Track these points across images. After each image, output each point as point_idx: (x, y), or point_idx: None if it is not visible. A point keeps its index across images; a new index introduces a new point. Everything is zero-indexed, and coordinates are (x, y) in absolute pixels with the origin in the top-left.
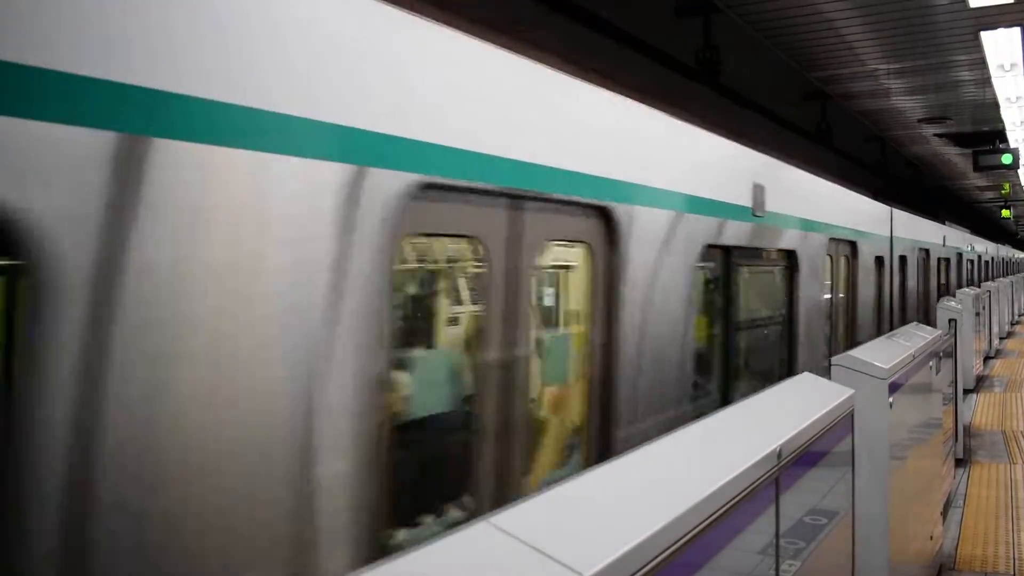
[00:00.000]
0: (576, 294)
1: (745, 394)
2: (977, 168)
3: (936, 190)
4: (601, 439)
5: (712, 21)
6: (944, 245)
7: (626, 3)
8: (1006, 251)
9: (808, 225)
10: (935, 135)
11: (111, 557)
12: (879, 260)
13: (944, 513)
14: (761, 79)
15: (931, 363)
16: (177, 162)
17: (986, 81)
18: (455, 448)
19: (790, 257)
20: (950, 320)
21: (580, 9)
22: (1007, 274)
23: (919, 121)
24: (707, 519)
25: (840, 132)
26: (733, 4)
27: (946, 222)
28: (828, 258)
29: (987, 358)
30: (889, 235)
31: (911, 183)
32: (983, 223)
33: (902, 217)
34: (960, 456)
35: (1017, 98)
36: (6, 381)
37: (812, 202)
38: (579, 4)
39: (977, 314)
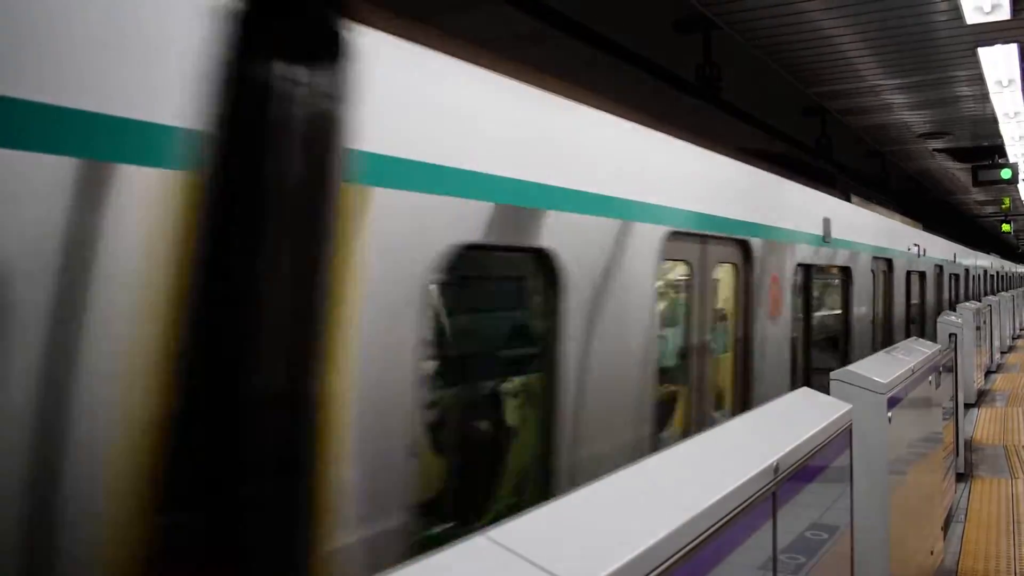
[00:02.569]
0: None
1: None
2: (977, 183)
3: (937, 204)
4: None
5: (712, 38)
6: (954, 261)
7: (625, 20)
8: (1009, 265)
9: (859, 247)
10: (935, 150)
11: None
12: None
13: (945, 528)
14: (761, 94)
15: (931, 377)
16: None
17: (985, 97)
18: None
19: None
20: (950, 334)
21: (579, 26)
22: (1009, 288)
23: (919, 136)
24: (704, 533)
25: (841, 147)
26: (732, 21)
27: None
28: (871, 272)
29: (988, 372)
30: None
31: (912, 198)
32: (984, 237)
33: (924, 238)
34: (961, 471)
35: (1015, 113)
36: None
37: (861, 228)
38: (578, 21)
39: (978, 328)
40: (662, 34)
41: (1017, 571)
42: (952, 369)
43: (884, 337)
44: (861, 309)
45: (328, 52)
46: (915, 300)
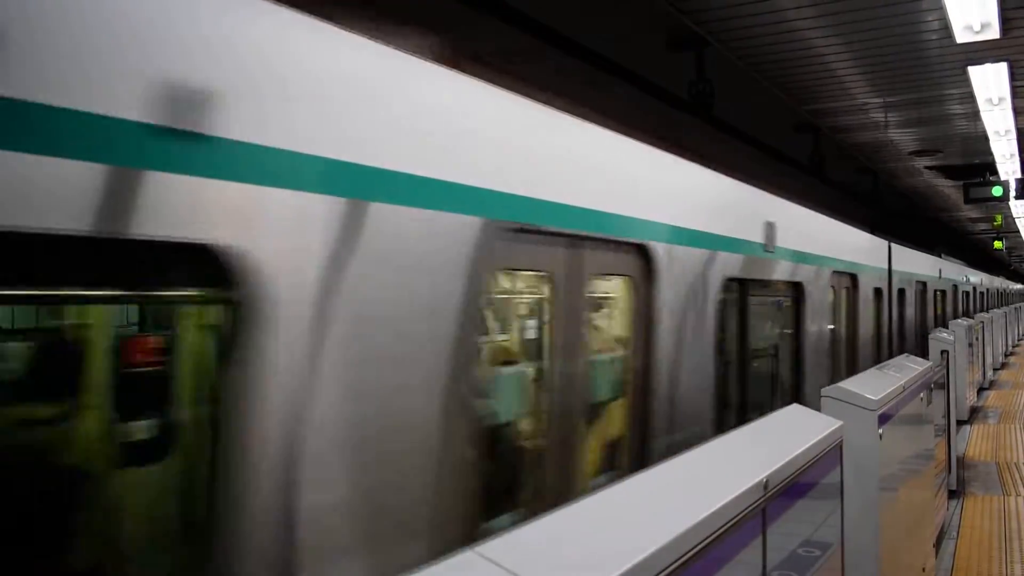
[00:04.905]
0: None
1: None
2: (968, 200)
3: (929, 221)
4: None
5: (704, 55)
6: (940, 277)
7: (619, 36)
8: (1000, 282)
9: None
10: (927, 167)
11: None
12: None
13: (937, 545)
14: (753, 111)
15: (922, 394)
16: None
17: (976, 115)
18: None
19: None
20: (942, 351)
21: (572, 42)
22: (1001, 305)
23: (910, 154)
24: (692, 549)
25: (833, 164)
26: (724, 39)
27: (942, 254)
28: (832, 289)
29: (981, 389)
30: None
31: (904, 214)
32: (977, 254)
33: (899, 250)
34: (953, 488)
35: (1006, 131)
36: None
37: (813, 236)
38: (571, 37)
39: (970, 345)
40: (655, 51)
41: None
42: (944, 386)
43: (848, 369)
44: (814, 335)
45: None
46: (892, 323)
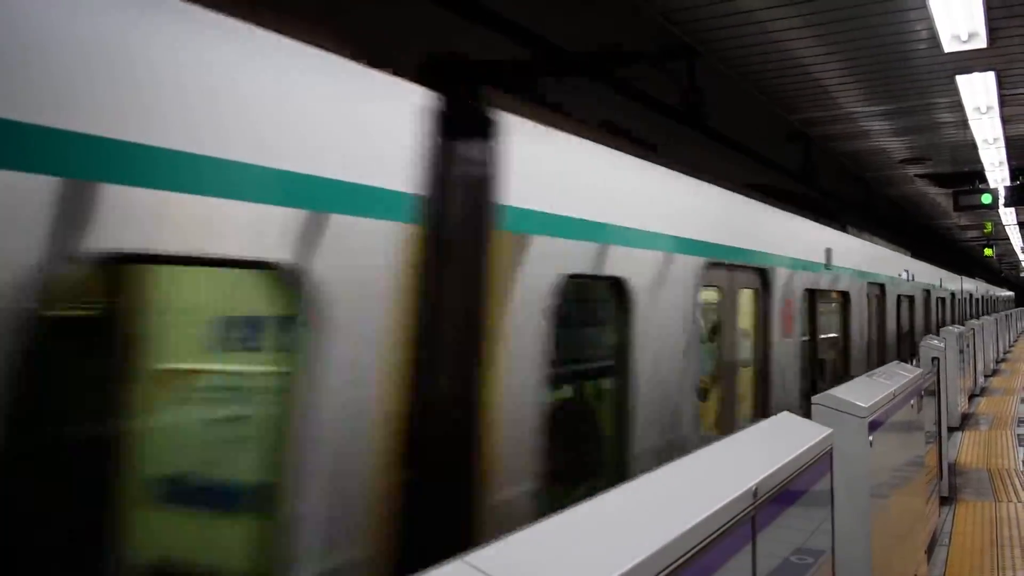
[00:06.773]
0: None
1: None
2: (957, 208)
3: (920, 229)
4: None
5: (695, 66)
6: (941, 286)
7: (608, 46)
8: (994, 289)
9: (855, 273)
10: (916, 175)
11: None
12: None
13: (929, 552)
14: (744, 121)
15: (912, 401)
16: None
17: (964, 123)
18: None
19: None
20: (933, 358)
21: (563, 52)
22: (993, 311)
23: (900, 162)
24: (681, 557)
25: (824, 172)
26: (714, 48)
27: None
28: (866, 296)
29: (972, 396)
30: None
31: (896, 222)
32: (968, 261)
33: (914, 265)
34: (945, 494)
35: (994, 139)
36: None
37: (858, 256)
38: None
39: (961, 352)
40: (645, 61)
41: None
42: (935, 393)
43: (879, 357)
44: (858, 330)
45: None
46: (905, 323)
